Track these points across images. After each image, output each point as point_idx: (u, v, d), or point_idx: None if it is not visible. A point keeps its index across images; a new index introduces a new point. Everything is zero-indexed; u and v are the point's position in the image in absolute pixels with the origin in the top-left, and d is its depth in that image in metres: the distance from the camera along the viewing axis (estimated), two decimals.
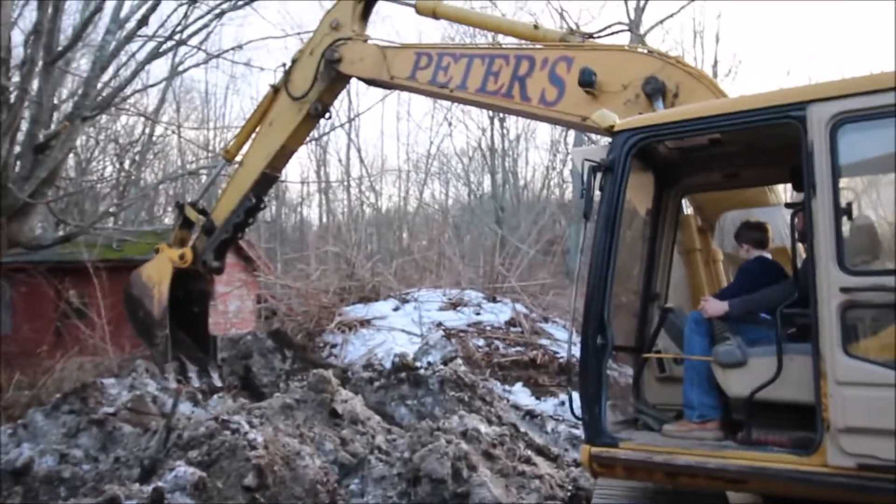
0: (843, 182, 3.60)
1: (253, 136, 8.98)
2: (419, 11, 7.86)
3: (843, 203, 3.52)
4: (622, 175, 4.14)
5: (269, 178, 8.93)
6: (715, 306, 4.26)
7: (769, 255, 4.70)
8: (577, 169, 4.49)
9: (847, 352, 3.39)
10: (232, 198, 8.94)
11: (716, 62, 26.34)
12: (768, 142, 4.42)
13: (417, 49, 7.51)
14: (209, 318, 9.79)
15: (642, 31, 22.51)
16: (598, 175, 4.17)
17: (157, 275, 8.93)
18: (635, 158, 4.41)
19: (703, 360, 4.17)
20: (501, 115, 29.34)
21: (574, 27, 6.98)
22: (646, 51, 6.12)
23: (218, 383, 9.23)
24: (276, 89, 8.60)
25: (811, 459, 3.44)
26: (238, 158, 9.30)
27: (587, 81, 5.96)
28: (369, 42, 8.01)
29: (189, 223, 9.26)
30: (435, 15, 7.84)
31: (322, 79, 8.14)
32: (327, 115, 8.72)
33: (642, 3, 25.45)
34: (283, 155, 8.84)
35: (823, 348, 3.44)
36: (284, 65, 8.62)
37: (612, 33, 6.99)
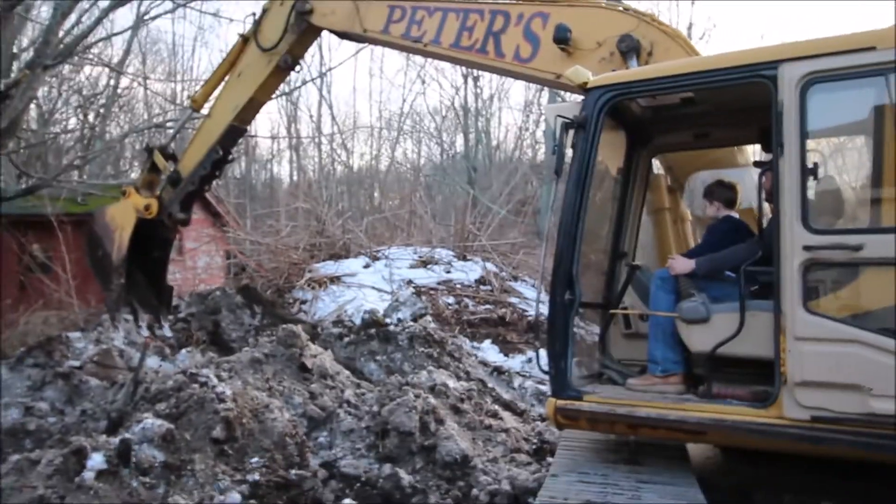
0: (810, 142, 3.64)
1: (221, 86, 8.74)
2: None
3: (809, 163, 3.56)
4: (594, 132, 4.15)
5: (236, 131, 8.72)
6: (682, 264, 4.34)
7: (737, 216, 4.77)
8: (550, 128, 4.46)
9: (807, 308, 3.49)
10: (199, 149, 8.72)
11: (690, 25, 26.28)
12: (739, 102, 4.46)
13: (391, 2, 7.30)
14: (168, 265, 9.63)
15: None
16: (571, 132, 4.18)
17: (120, 219, 8.72)
18: (608, 117, 4.43)
19: (668, 316, 4.27)
20: (475, 73, 29.07)
21: None
22: (622, 8, 6.04)
23: (167, 333, 9.12)
24: (245, 39, 8.34)
25: (768, 412, 3.56)
26: (205, 109, 9.06)
27: (562, 38, 5.89)
28: None
29: (157, 168, 9.03)
30: None
31: (292, 30, 7.91)
32: (297, 67, 8.54)
33: None
34: (252, 107, 8.64)
35: (784, 305, 3.53)
36: (254, 14, 8.34)
37: None
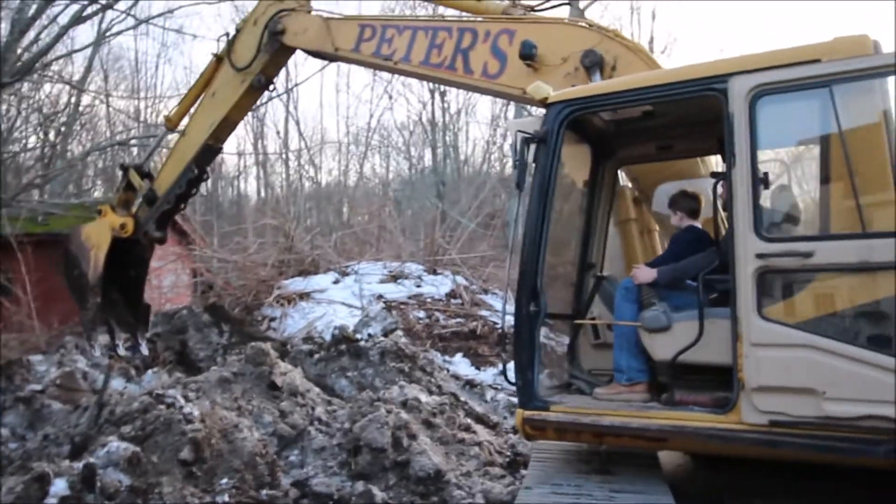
0: (761, 153, 3.73)
1: (195, 105, 8.69)
2: None
3: (760, 173, 3.66)
4: (555, 146, 4.23)
5: (211, 150, 8.74)
6: (644, 274, 4.42)
7: (699, 225, 4.85)
8: (514, 143, 4.54)
9: (761, 315, 3.56)
10: (174, 168, 8.72)
11: (652, 39, 26.85)
12: (699, 114, 4.55)
13: (361, 21, 7.42)
14: (145, 284, 9.61)
15: (582, 5, 22.68)
16: (532, 146, 4.25)
17: (96, 238, 8.70)
18: (571, 130, 4.53)
19: (631, 325, 4.33)
20: (442, 88, 29.21)
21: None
22: (586, 25, 6.14)
23: (145, 352, 9.02)
24: (219, 59, 8.39)
25: (727, 417, 3.62)
26: (181, 127, 9.01)
27: (527, 54, 5.99)
28: (313, 13, 7.85)
29: (133, 187, 9.04)
30: None
31: (265, 50, 7.94)
32: (271, 87, 8.56)
33: None
34: (226, 126, 8.64)
35: (740, 312, 3.60)
36: (228, 34, 8.38)
37: (554, 6, 7.04)
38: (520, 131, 4.27)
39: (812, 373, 3.39)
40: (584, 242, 5.24)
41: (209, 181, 9.75)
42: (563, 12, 7.30)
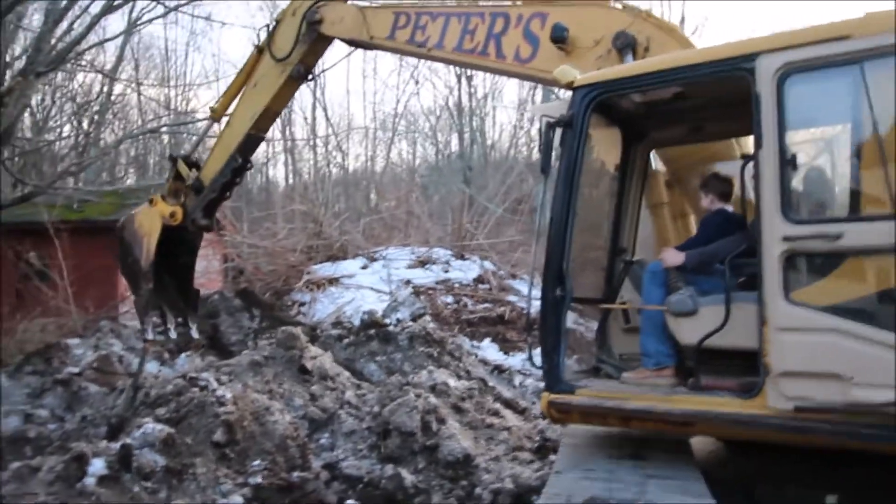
0: (789, 133, 3.63)
1: (239, 96, 8.79)
2: None
3: (788, 153, 3.57)
4: (581, 130, 4.18)
5: (254, 139, 8.88)
6: (672, 257, 4.36)
7: (731, 208, 4.77)
8: (541, 126, 4.51)
9: (788, 298, 3.48)
10: (219, 158, 8.86)
11: (682, 19, 26.34)
12: (730, 95, 4.44)
13: (396, 9, 7.43)
14: (194, 270, 9.71)
15: None
16: (558, 131, 4.21)
17: (147, 226, 8.91)
18: (600, 114, 4.47)
19: (658, 309, 4.28)
20: (469, 73, 29.04)
21: None
22: (619, 6, 6.04)
23: (195, 335, 9.27)
24: (260, 50, 8.47)
25: (753, 403, 3.56)
26: (225, 118, 9.11)
27: (559, 38, 5.93)
28: (349, 2, 7.88)
29: (181, 177, 9.17)
30: None
31: (304, 40, 8.00)
32: (310, 76, 8.53)
33: None
34: (268, 116, 8.76)
35: (766, 296, 3.53)
36: (268, 26, 8.46)
37: None
38: (545, 115, 4.24)
39: (839, 358, 3.31)
40: (616, 226, 5.19)
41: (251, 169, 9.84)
42: None
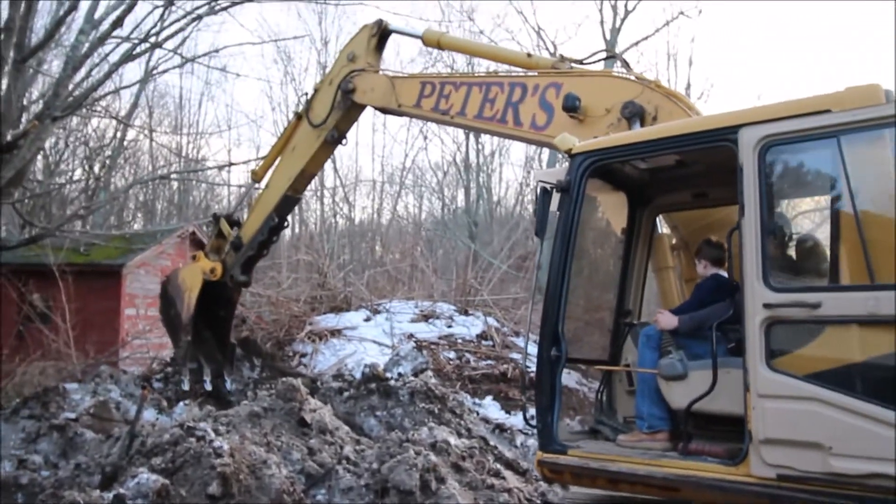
0: (769, 202, 3.73)
1: (278, 159, 9.44)
2: (426, 43, 8.42)
3: (769, 222, 3.66)
4: (577, 195, 4.33)
5: (291, 200, 9.45)
6: (666, 320, 4.43)
7: (724, 274, 4.80)
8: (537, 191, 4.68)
9: (769, 365, 3.51)
10: (258, 217, 9.45)
11: (689, 85, 26.91)
12: (729, 162, 4.54)
13: (422, 78, 7.97)
14: (232, 324, 10.43)
15: (617, 52, 22.90)
16: (556, 195, 4.38)
17: (189, 281, 9.50)
18: (604, 179, 4.70)
19: (649, 372, 4.33)
20: None
21: (553, 49, 7.52)
22: (632, 76, 6.23)
23: (230, 387, 9.73)
24: (299, 116, 9.10)
25: (737, 469, 3.56)
26: (265, 180, 9.75)
27: (571, 107, 6.16)
28: (380, 73, 8.46)
29: (223, 234, 9.88)
30: (440, 46, 8.40)
31: (338, 107, 8.56)
32: (344, 141, 9.11)
33: (618, 24, 25.97)
34: (304, 178, 9.35)
35: (749, 362, 3.56)
36: (307, 94, 9.19)
37: (599, 60, 7.24)
38: (541, 181, 4.42)
39: (818, 427, 3.32)
40: (621, 289, 5.28)
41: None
42: (611, 64, 7.51)
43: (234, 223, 9.92)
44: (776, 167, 3.75)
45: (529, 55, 7.59)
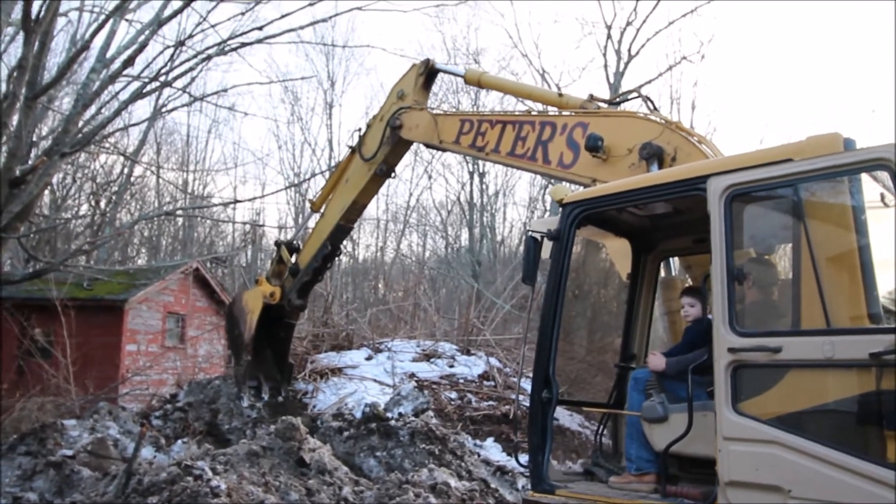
0: (735, 249, 3.82)
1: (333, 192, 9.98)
2: (467, 81, 8.88)
3: (734, 269, 3.74)
4: (567, 243, 4.49)
5: (343, 229, 9.99)
6: (655, 362, 4.48)
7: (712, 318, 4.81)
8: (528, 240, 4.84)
9: (735, 409, 3.56)
10: (314, 245, 10.00)
11: (692, 128, 27.10)
12: None
13: (462, 116, 8.41)
14: (290, 344, 10.99)
15: (620, 94, 23.19)
16: (550, 243, 4.55)
17: (252, 303, 10.07)
18: (603, 227, 4.92)
19: (632, 415, 4.43)
20: (482, 169, 29.76)
21: (558, 91, 7.80)
22: (656, 118, 6.30)
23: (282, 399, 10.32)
24: (353, 150, 9.59)
25: None
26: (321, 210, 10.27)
27: (593, 147, 6.30)
28: (425, 110, 8.83)
29: (283, 260, 10.42)
30: (480, 84, 8.86)
31: (387, 142, 9.00)
32: (392, 174, 9.62)
33: (622, 68, 26.34)
34: (356, 209, 9.83)
35: (716, 405, 3.62)
36: (359, 130, 9.74)
37: (627, 100, 7.42)
38: (530, 230, 4.59)
39: (778, 470, 3.36)
40: (626, 333, 5.36)
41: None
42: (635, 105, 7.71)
43: (294, 250, 10.46)
44: (741, 215, 3.85)
45: (561, 94, 7.85)
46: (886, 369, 3.16)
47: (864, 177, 3.55)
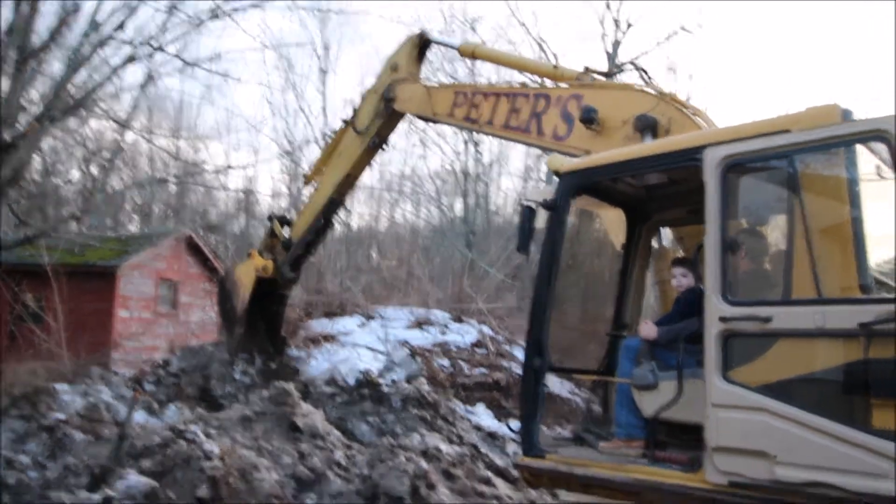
0: (730, 220, 3.85)
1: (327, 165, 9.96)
2: (462, 53, 8.81)
3: (728, 239, 3.77)
4: (562, 213, 4.50)
5: (336, 203, 9.98)
6: (647, 330, 4.53)
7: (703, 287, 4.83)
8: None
9: (724, 377, 3.61)
10: (307, 219, 9.99)
11: (688, 99, 26.93)
12: None
13: (456, 88, 8.50)
14: (283, 317, 11.08)
15: (618, 64, 23.00)
16: (541, 213, 4.55)
17: (244, 277, 10.13)
18: (599, 197, 4.97)
19: (622, 382, 4.49)
20: (475, 139, 29.59)
21: (555, 61, 7.82)
22: (651, 90, 6.25)
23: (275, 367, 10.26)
24: (346, 123, 9.58)
25: (694, 476, 3.70)
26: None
27: (588, 119, 6.27)
28: (419, 83, 8.83)
29: (276, 234, 10.44)
30: (474, 56, 8.80)
31: (380, 115, 8.99)
32: (384, 147, 9.58)
33: (619, 38, 26.07)
34: (348, 182, 9.83)
35: (706, 373, 3.68)
36: (353, 103, 9.93)
37: (621, 72, 7.36)
38: (524, 199, 4.63)
39: (766, 436, 3.43)
40: (619, 302, 5.39)
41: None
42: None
43: (287, 223, 10.45)
44: (737, 185, 3.87)
45: (556, 66, 7.82)
46: (875, 339, 3.19)
47: (861, 149, 3.56)
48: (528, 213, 4.50)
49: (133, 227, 28.02)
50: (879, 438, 3.13)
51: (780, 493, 3.35)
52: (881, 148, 3.39)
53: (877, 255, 3.62)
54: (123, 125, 22.05)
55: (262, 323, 10.40)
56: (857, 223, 3.55)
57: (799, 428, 3.34)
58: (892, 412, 3.16)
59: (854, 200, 3.56)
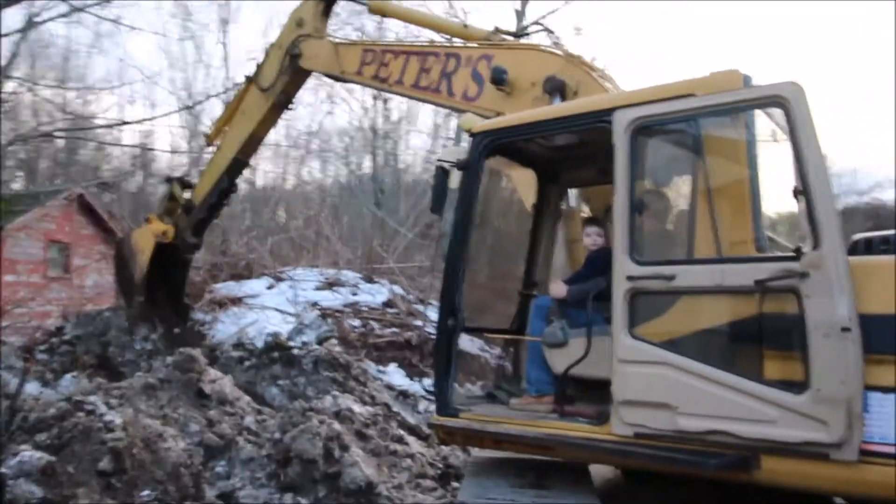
0: (637, 181, 3.95)
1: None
2: (372, 10, 8.57)
3: (635, 200, 3.88)
4: (476, 173, 4.50)
5: (240, 163, 9.70)
6: (557, 289, 4.64)
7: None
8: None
9: (630, 333, 3.76)
10: (209, 180, 9.67)
11: (593, 60, 27.36)
12: None
13: (364, 46, 8.20)
14: (186, 285, 10.73)
15: (525, 25, 23.05)
16: (457, 173, 4.55)
17: (142, 243, 9.69)
18: (511, 157, 4.96)
19: (533, 340, 4.61)
20: (384, 96, 29.16)
21: (464, 18, 7.77)
22: (558, 51, 6.30)
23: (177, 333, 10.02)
24: (249, 80, 9.28)
25: (602, 429, 3.83)
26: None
27: (498, 79, 6.27)
28: (326, 39, 8.57)
29: (175, 197, 10.02)
30: (384, 13, 8.62)
31: (286, 72, 8.76)
32: (290, 105, 9.38)
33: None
34: (253, 142, 9.57)
35: (613, 330, 3.82)
36: (257, 59, 9.36)
37: (532, 32, 7.36)
38: (439, 160, 4.60)
39: (668, 389, 3.58)
40: (529, 261, 5.45)
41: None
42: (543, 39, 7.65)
43: (187, 186, 10.06)
44: (644, 147, 3.97)
45: (466, 26, 7.78)
46: (768, 295, 3.38)
47: (760, 114, 3.74)
48: (441, 174, 4.50)
49: (17, 186, 26.17)
50: (770, 388, 3.34)
51: (682, 441, 3.52)
52: (778, 113, 3.54)
53: (770, 215, 3.85)
54: (2, 74, 20.44)
55: (164, 290, 10.05)
56: (753, 185, 3.74)
57: (699, 380, 3.50)
58: (782, 363, 3.37)
59: (752, 163, 3.75)
